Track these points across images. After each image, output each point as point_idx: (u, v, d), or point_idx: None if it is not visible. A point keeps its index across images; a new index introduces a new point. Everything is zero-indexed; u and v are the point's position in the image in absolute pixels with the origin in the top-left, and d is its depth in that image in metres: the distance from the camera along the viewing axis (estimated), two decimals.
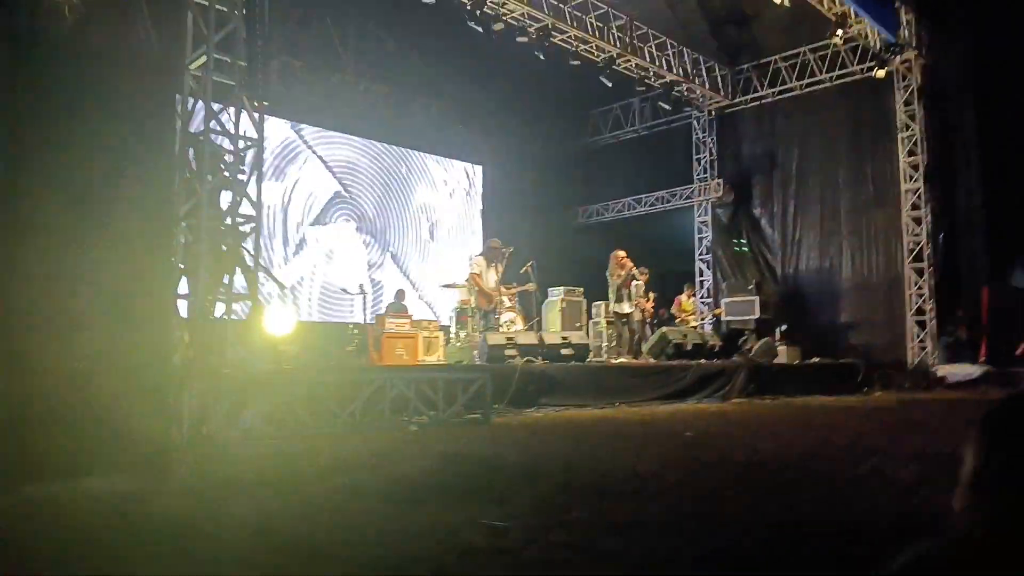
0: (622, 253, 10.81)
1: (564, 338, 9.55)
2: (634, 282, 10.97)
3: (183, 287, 5.70)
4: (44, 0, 5.00)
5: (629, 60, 13.41)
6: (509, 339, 8.94)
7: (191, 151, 6.15)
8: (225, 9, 6.34)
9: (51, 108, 4.61)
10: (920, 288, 12.82)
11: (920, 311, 12.80)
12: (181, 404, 4.60)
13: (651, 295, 12.34)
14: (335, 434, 5.54)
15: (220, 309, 5.78)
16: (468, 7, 10.86)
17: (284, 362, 6.86)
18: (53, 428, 3.71)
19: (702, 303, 15.26)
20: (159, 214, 5.37)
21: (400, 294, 11.96)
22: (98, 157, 4.82)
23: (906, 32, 13.01)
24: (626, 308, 10.61)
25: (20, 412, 3.71)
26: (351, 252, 13.62)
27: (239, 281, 6.04)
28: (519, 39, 11.81)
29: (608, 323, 11.24)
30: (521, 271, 10.60)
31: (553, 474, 4.14)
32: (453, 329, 10.90)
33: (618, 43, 13.01)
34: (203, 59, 6.23)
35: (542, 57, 12.07)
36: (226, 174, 6.19)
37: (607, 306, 11.36)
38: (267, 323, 6.90)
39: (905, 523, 2.85)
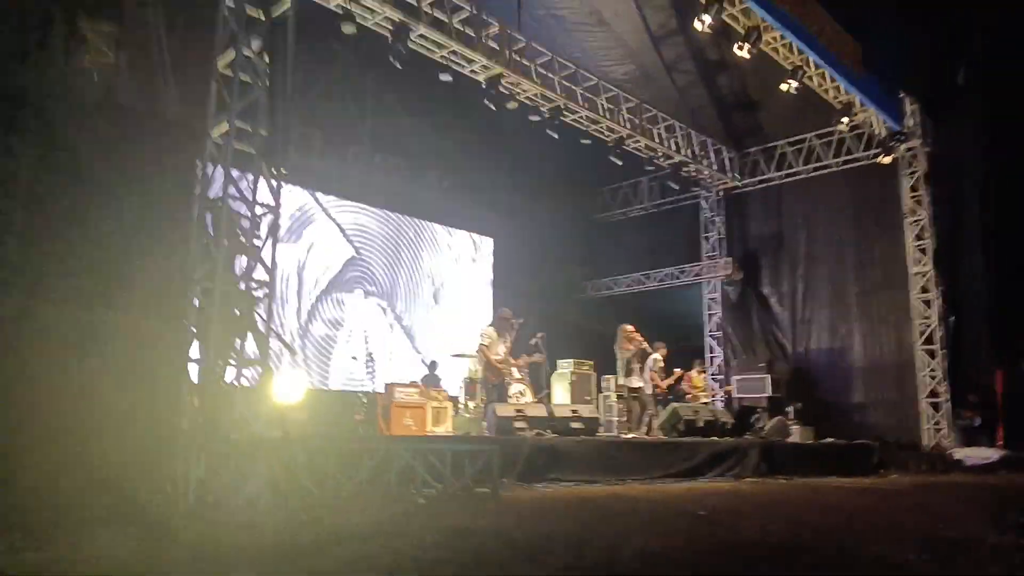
0: (631, 327, 10.80)
1: (574, 411, 9.43)
2: (652, 356, 10.94)
3: (194, 351, 5.69)
4: (74, 62, 5.16)
5: (639, 140, 13.69)
6: (518, 411, 8.83)
7: (209, 216, 6.23)
8: (249, 80, 6.52)
9: (77, 168, 4.70)
10: (933, 371, 12.71)
11: (934, 393, 12.65)
12: (188, 470, 4.53)
13: (676, 371, 12.25)
14: (340, 505, 5.43)
15: (231, 374, 5.75)
16: (484, 86, 11.17)
17: (292, 429, 6.77)
18: (59, 491, 3.64)
19: (713, 380, 15.13)
20: (173, 278, 5.40)
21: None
22: (118, 220, 4.88)
23: (911, 121, 13.29)
24: (635, 382, 10.53)
25: (28, 474, 3.65)
26: (361, 319, 13.65)
27: (250, 346, 6.02)
28: (532, 118, 12.10)
29: (619, 397, 11.11)
30: (531, 343, 10.57)
31: (559, 552, 4.02)
32: (462, 399, 10.80)
33: (628, 124, 13.31)
34: (225, 127, 6.39)
35: (555, 136, 12.34)
36: (242, 240, 6.25)
37: (615, 380, 11.28)
38: (277, 390, 6.84)
39: None
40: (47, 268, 4.30)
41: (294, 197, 12.59)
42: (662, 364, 11.48)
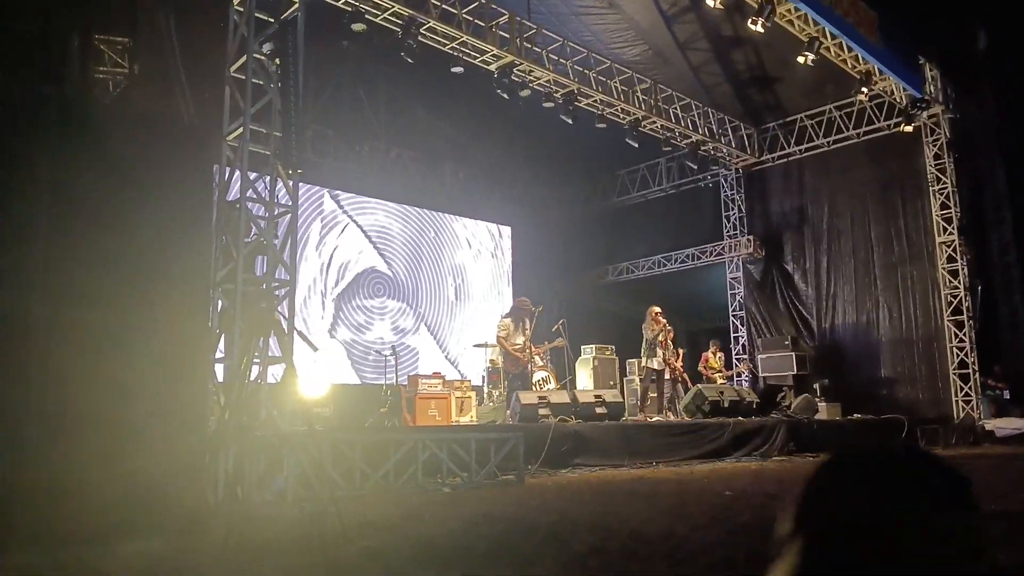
0: (657, 309, 10.80)
1: (598, 396, 9.47)
2: (669, 339, 10.96)
3: (219, 351, 5.81)
4: (90, 73, 5.27)
5: (655, 121, 13.61)
6: (542, 398, 8.89)
7: (227, 218, 6.33)
8: (261, 82, 6.60)
9: (97, 177, 4.80)
10: (961, 342, 12.55)
11: (962, 364, 12.50)
12: (216, 467, 4.65)
13: (679, 352, 12.24)
14: (367, 496, 5.53)
15: (255, 372, 5.86)
16: (496, 75, 11.17)
17: (317, 424, 6.88)
18: (88, 491, 3.76)
19: (737, 360, 15.06)
20: (197, 280, 5.51)
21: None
22: (139, 225, 4.98)
23: (932, 87, 13.06)
24: (655, 364, 10.55)
25: (57, 476, 3.77)
26: (384, 317, 13.79)
27: (274, 345, 6.13)
28: (545, 104, 12.09)
29: (640, 381, 11.13)
30: (552, 329, 10.61)
31: (585, 536, 4.06)
32: (485, 389, 10.87)
33: (643, 105, 13.23)
34: (240, 130, 6.48)
35: (569, 121, 12.31)
36: (262, 240, 6.35)
37: (639, 363, 11.30)
38: (301, 386, 6.96)
39: None
40: (73, 270, 4.41)
41: (313, 198, 12.72)
42: (672, 347, 11.47)
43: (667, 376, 11.06)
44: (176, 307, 4.99)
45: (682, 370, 11.69)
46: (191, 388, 5.07)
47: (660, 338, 10.62)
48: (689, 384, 11.68)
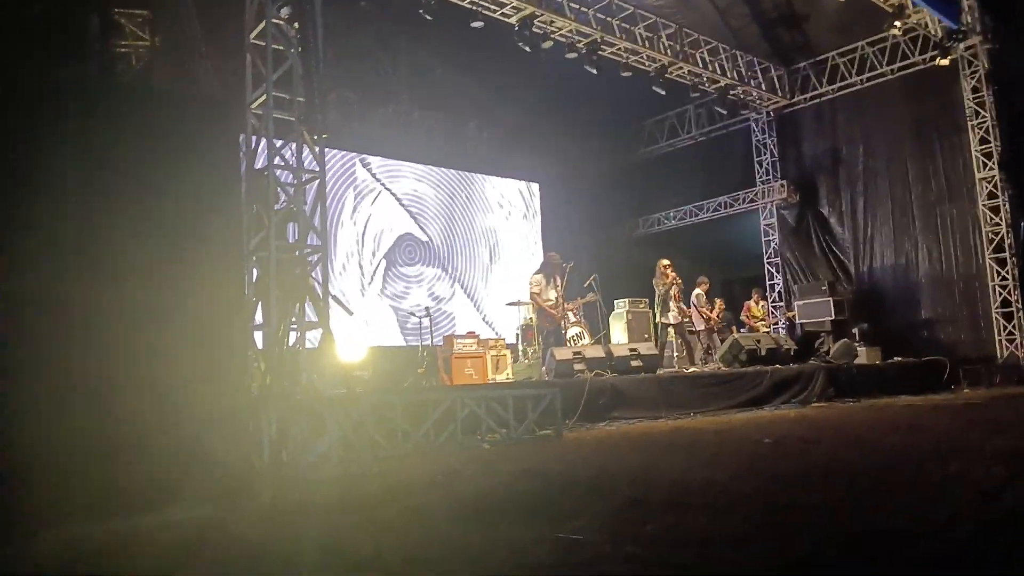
0: (666, 262, 10.70)
1: (632, 350, 9.46)
2: (695, 292, 10.85)
3: (257, 318, 5.90)
4: (112, 48, 5.29)
5: (681, 67, 13.32)
6: (577, 353, 8.91)
7: (257, 187, 6.36)
8: (281, 48, 6.57)
9: (124, 152, 4.84)
10: (1003, 279, 12.27)
11: (1005, 303, 12.25)
12: (260, 431, 4.75)
13: (718, 302, 12.13)
14: (408, 455, 5.62)
15: (293, 338, 5.95)
16: (516, 28, 10.98)
17: (356, 387, 6.99)
18: (138, 459, 3.87)
19: (774, 307, 14.91)
20: (230, 249, 5.57)
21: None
22: (170, 196, 5.02)
23: (968, 17, 12.55)
24: (671, 319, 10.47)
25: (104, 445, 3.88)
26: (422, 283, 13.91)
27: (310, 310, 6.20)
28: (568, 55, 11.88)
29: (677, 334, 11.05)
30: (584, 285, 10.58)
31: (625, 488, 4.08)
32: (520, 347, 10.93)
33: (669, 51, 12.94)
34: (263, 97, 6.47)
35: (593, 71, 12.09)
36: (291, 207, 6.38)
37: (653, 319, 11.18)
38: (339, 350, 7.05)
39: (990, 529, 2.71)
40: (106, 248, 4.48)
41: (345, 167, 12.78)
42: (705, 298, 11.36)
43: (700, 327, 10.99)
44: (211, 275, 5.05)
45: (719, 320, 11.59)
46: (231, 354, 5.15)
47: (673, 292, 10.52)
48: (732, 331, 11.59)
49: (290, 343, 5.88)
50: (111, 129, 4.65)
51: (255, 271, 6.16)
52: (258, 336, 5.91)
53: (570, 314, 10.03)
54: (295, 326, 5.98)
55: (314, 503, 3.89)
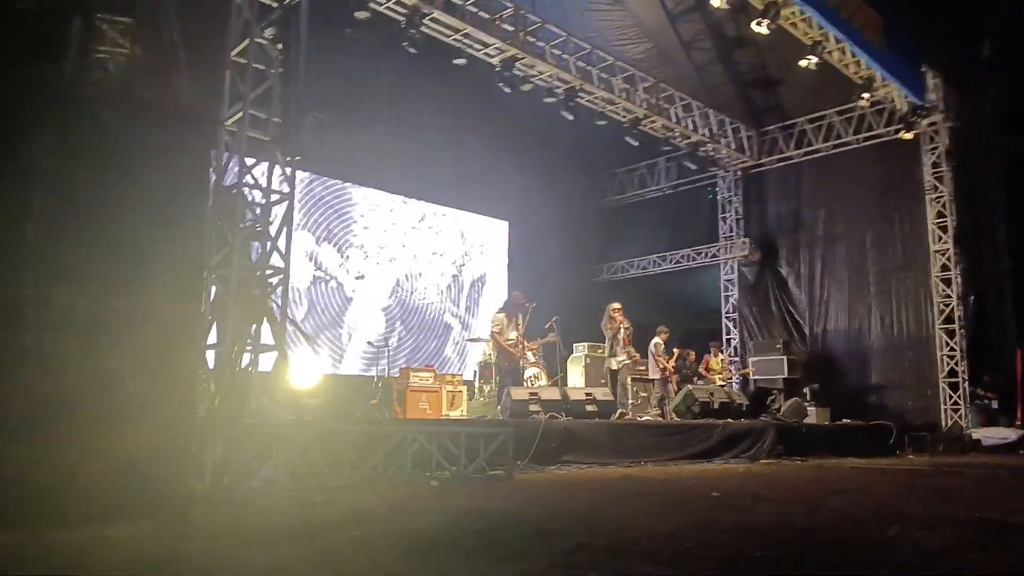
0: (616, 305, 10.75)
1: (588, 394, 9.48)
2: (654, 341, 10.96)
3: (211, 337, 5.80)
4: (90, 53, 5.23)
5: (655, 121, 13.61)
6: (533, 394, 8.90)
7: (224, 203, 6.31)
8: (262, 67, 6.58)
9: (92, 156, 4.77)
10: (952, 350, 12.60)
11: (952, 373, 12.56)
12: (204, 454, 4.64)
13: (690, 353, 12.25)
14: (354, 487, 5.52)
15: (246, 359, 5.85)
16: (498, 69, 11.14)
17: (307, 414, 6.88)
18: (76, 476, 3.75)
19: (730, 361, 15.09)
20: (189, 265, 5.49)
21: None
22: (135, 207, 4.95)
23: (934, 95, 13.07)
24: (613, 364, 10.52)
25: (44, 460, 3.76)
26: (377, 306, 13.78)
27: (267, 333, 6.12)
28: (546, 100, 12.07)
29: (632, 380, 11.11)
30: (545, 326, 10.59)
31: (571, 532, 4.06)
32: (477, 383, 10.87)
33: (644, 104, 13.22)
34: (239, 115, 6.46)
35: (570, 117, 12.29)
36: (256, 227, 6.33)
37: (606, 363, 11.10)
38: (292, 375, 6.95)
39: None
40: (65, 252, 4.39)
41: (309, 186, 12.70)
42: (663, 348, 11.45)
43: (655, 376, 11.05)
44: (167, 292, 4.97)
45: (673, 371, 11.70)
46: (182, 371, 5.05)
47: (621, 336, 10.54)
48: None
49: (242, 365, 5.79)
50: (81, 134, 4.59)
51: (214, 288, 6.08)
52: (211, 355, 5.81)
53: (529, 354, 10.03)
54: (250, 348, 5.90)
55: (252, 529, 3.80)
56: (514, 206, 16.14)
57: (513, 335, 9.68)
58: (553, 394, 9.13)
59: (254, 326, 5.96)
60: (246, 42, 6.53)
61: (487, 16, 10.62)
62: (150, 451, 4.16)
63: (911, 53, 12.70)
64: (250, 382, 5.62)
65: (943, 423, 12.42)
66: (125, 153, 4.99)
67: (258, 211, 6.38)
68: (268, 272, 6.32)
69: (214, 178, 6.39)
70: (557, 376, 10.61)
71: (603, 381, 11.22)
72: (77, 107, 4.88)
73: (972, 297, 12.62)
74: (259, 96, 6.54)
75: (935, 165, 13.15)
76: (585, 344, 11.99)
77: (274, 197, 6.52)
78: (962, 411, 12.37)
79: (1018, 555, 3.62)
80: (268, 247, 6.36)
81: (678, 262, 16.43)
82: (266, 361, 5.99)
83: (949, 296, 12.75)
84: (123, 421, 4.15)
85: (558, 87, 12.15)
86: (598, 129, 13.20)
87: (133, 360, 4.44)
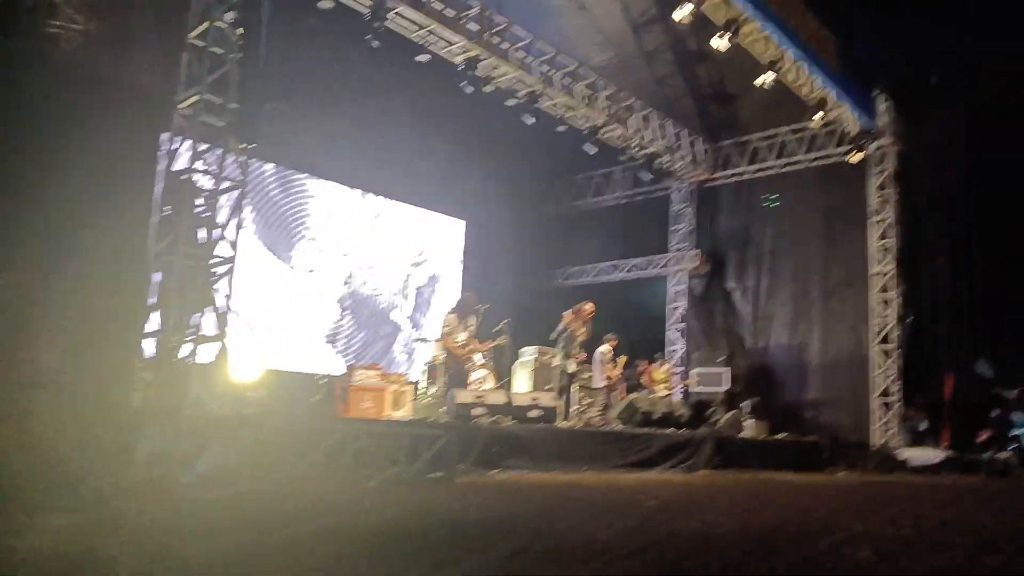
0: (591, 307, 10.83)
1: (534, 399, 9.50)
2: (599, 349, 11.05)
3: (150, 325, 5.66)
4: (42, 26, 5.05)
5: (614, 129, 13.72)
6: (478, 397, 8.88)
7: (173, 189, 6.17)
8: (221, 51, 6.45)
9: (36, 131, 4.62)
10: (887, 370, 12.97)
11: (886, 392, 12.93)
12: (137, 445, 4.52)
13: (621, 360, 12.36)
14: (291, 484, 5.44)
15: (187, 350, 5.73)
16: (461, 68, 11.11)
17: (247, 408, 6.76)
18: (1, 468, 3.62)
19: (674, 372, 15.29)
20: (132, 249, 5.35)
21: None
22: (78, 183, 4.81)
23: (884, 119, 13.45)
24: (571, 367, 10.54)
25: None
26: (328, 302, 13.61)
27: (209, 324, 6.00)
28: (508, 102, 12.08)
29: (581, 387, 11.16)
30: (495, 330, 10.58)
31: (511, 537, 4.07)
32: (423, 384, 10.79)
33: (604, 112, 13.33)
34: (194, 99, 6.32)
35: (531, 121, 12.32)
36: (205, 214, 6.21)
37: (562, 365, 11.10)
38: (233, 368, 6.81)
39: None
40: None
41: (262, 174, 12.49)
42: (610, 355, 11.54)
43: (599, 384, 11.13)
44: (108, 272, 4.83)
45: (618, 379, 11.80)
46: (116, 359, 4.91)
47: (579, 336, 10.54)
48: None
49: (183, 355, 5.66)
50: (29, 108, 4.43)
51: (157, 275, 5.93)
52: (149, 344, 5.67)
53: (479, 356, 10.00)
54: (191, 337, 5.77)
55: (182, 527, 3.71)
56: (472, 206, 16.11)
57: (463, 336, 9.65)
58: (498, 398, 9.13)
59: (196, 315, 5.84)
60: (205, 24, 6.39)
61: (453, 13, 10.59)
62: (80, 443, 4.04)
63: (864, 76, 13.05)
64: (189, 373, 5.51)
65: (873, 441, 12.78)
66: (70, 131, 4.84)
67: (209, 198, 6.25)
68: (215, 261, 6.20)
69: (165, 162, 6.24)
70: (505, 380, 10.60)
71: (548, 388, 11.22)
72: (24, 82, 4.72)
73: (910, 319, 12.99)
74: (216, 81, 6.41)
75: (881, 188, 13.52)
76: (536, 348, 12.02)
77: (225, 185, 6.40)
78: (893, 431, 12.75)
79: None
80: (216, 235, 6.24)
81: (630, 271, 16.59)
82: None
83: (887, 317, 13.12)
84: (50, 413, 4.01)
85: (520, 90, 12.17)
86: (558, 134, 13.26)
87: (66, 346, 4.30)
